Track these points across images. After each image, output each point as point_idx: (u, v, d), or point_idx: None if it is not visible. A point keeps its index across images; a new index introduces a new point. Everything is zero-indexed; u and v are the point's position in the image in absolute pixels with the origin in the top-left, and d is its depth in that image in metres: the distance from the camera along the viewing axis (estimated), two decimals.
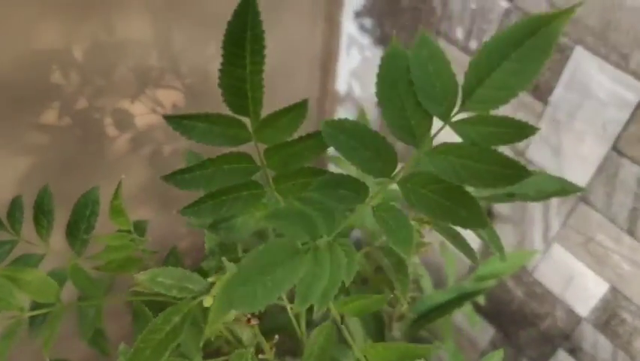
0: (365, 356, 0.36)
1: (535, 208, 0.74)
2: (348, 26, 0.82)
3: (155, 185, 0.78)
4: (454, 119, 0.26)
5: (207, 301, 0.35)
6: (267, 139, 0.28)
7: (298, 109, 0.27)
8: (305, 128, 1.08)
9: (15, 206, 0.52)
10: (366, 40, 0.81)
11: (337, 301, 0.36)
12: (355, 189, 0.29)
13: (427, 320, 0.57)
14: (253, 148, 0.29)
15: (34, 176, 0.66)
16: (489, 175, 0.26)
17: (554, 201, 0.72)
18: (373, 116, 0.88)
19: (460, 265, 0.93)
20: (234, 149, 0.28)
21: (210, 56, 0.76)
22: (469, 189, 0.34)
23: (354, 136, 0.27)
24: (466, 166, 0.26)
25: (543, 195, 0.41)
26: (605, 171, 0.65)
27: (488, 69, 0.24)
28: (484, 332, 0.95)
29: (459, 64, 0.73)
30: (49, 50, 0.61)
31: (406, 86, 0.24)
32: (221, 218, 0.32)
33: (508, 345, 0.92)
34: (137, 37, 0.67)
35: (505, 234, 0.81)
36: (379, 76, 0.26)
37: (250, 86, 0.26)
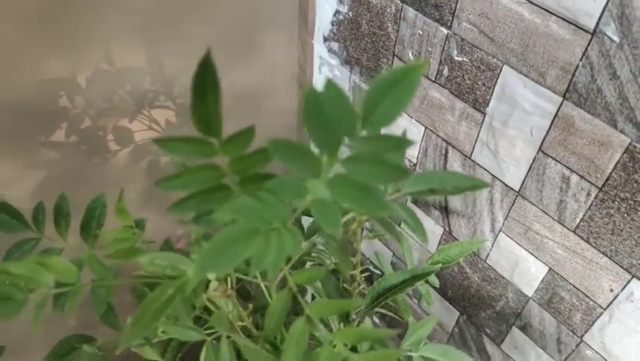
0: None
1: (482, 204, 0.86)
2: (319, 49, 0.94)
3: (152, 191, 0.89)
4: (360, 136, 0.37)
5: (190, 271, 0.46)
6: (229, 153, 0.39)
7: (248, 131, 0.39)
8: (288, 134, 1.20)
9: (38, 210, 0.64)
10: (334, 61, 0.93)
11: (293, 273, 0.47)
12: (297, 189, 0.40)
13: (384, 298, 0.68)
14: (221, 160, 0.40)
15: (48, 186, 0.78)
16: (382, 174, 0.37)
17: (497, 197, 0.83)
18: None
19: (423, 254, 1.04)
20: (206, 161, 0.40)
21: None
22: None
23: (291, 151, 0.38)
24: (366, 169, 0.37)
25: (458, 190, 0.52)
26: (535, 169, 0.76)
27: (376, 103, 0.36)
28: (450, 315, 1.06)
29: None
30: (57, 79, 0.72)
31: (324, 116, 0.36)
32: (201, 213, 0.43)
33: (471, 325, 1.03)
34: (134, 65, 0.78)
35: (461, 226, 0.93)
36: (305, 110, 0.37)
37: (214, 117, 0.37)
